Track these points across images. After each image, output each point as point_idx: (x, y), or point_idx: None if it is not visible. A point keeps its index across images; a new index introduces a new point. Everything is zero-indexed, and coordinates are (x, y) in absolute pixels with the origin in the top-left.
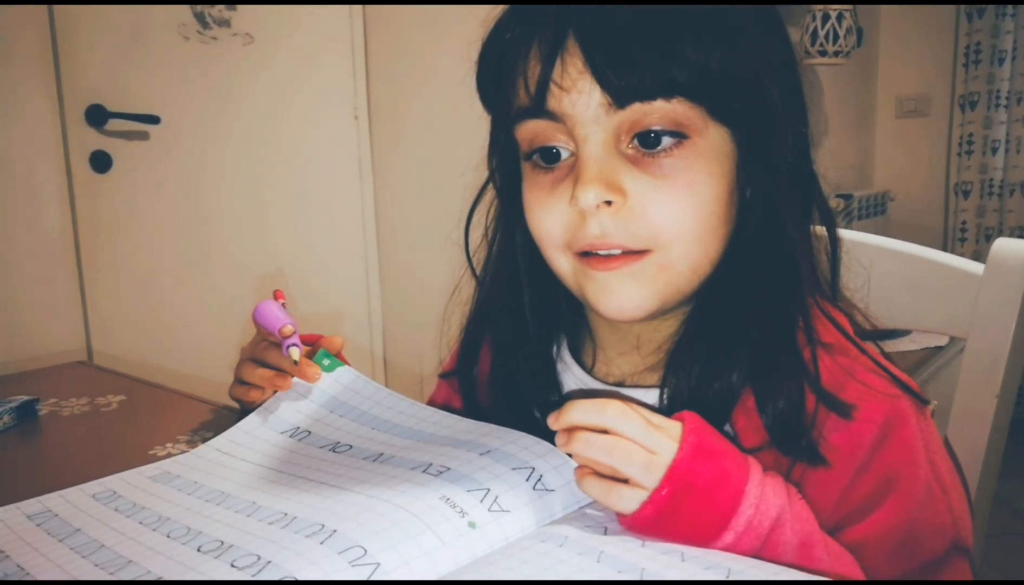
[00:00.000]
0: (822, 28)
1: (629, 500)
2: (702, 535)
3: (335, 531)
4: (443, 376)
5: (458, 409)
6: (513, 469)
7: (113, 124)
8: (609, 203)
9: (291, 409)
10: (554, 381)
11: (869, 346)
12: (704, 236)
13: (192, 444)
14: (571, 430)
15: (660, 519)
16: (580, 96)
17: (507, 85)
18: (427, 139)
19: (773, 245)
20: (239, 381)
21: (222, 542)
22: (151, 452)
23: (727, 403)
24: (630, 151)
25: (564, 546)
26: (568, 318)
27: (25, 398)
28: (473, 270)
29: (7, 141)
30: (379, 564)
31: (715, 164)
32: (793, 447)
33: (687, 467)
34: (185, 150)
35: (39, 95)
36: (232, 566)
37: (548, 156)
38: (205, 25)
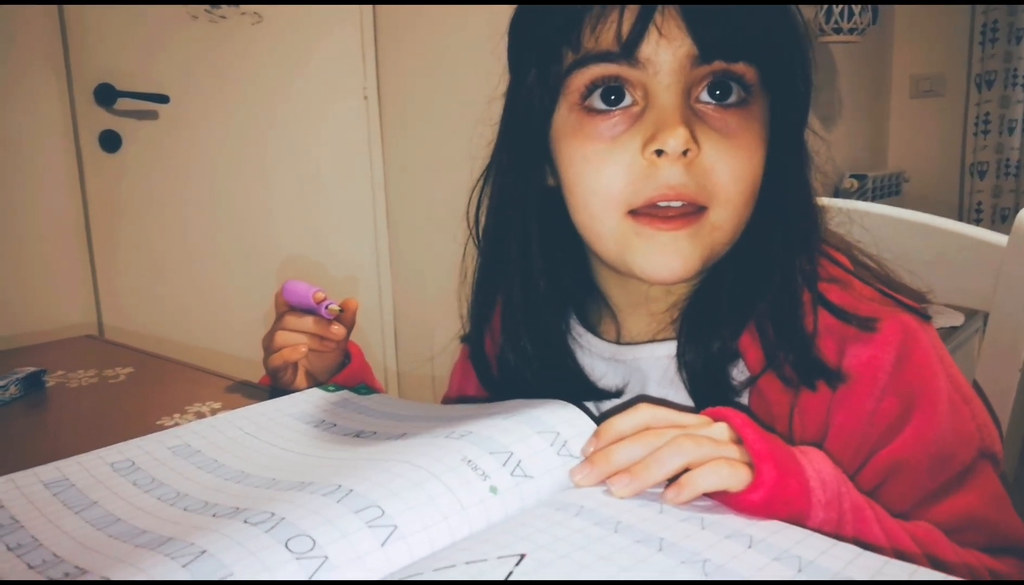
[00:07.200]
0: (837, 5)
1: (740, 474)
2: (800, 507)
3: (352, 491)
4: (464, 339)
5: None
6: (537, 432)
7: (122, 103)
8: (685, 153)
9: (319, 407)
10: (568, 354)
11: (870, 277)
12: (749, 200)
13: (200, 415)
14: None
15: (770, 500)
16: (671, 43)
17: (571, 29)
18: (437, 118)
19: (793, 209)
20: (272, 351)
21: (237, 508)
22: (159, 422)
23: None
24: (699, 106)
25: (580, 515)
26: (576, 295)
27: (32, 369)
28: (485, 255)
29: (17, 121)
30: (396, 527)
31: (764, 131)
32: (811, 371)
33: (773, 446)
34: (194, 129)
35: (48, 75)
36: (245, 523)
37: (610, 97)
38: (214, 3)
